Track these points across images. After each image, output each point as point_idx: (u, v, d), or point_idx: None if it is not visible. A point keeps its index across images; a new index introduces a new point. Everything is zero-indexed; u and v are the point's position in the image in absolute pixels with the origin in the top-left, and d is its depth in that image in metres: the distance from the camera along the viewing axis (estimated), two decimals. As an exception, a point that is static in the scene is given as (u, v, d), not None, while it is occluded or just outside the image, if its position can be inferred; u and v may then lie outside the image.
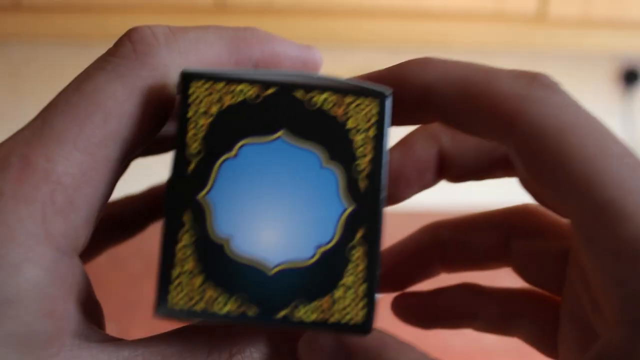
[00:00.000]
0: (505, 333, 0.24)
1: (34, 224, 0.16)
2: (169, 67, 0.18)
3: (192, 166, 0.17)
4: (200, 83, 0.17)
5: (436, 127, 0.22)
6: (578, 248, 0.18)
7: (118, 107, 0.17)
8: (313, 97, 0.17)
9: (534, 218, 0.23)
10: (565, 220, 0.21)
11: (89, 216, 0.17)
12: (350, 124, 0.17)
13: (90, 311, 0.18)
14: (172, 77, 0.18)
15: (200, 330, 0.18)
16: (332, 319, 0.17)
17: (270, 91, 0.17)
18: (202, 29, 0.19)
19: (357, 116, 0.17)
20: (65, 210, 0.16)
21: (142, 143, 0.18)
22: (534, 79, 0.17)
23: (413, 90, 0.19)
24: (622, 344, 0.15)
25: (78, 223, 0.17)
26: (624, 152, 0.16)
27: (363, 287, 0.17)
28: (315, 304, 0.17)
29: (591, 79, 1.14)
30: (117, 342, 0.17)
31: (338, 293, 0.17)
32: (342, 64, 1.10)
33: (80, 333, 0.17)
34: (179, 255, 0.17)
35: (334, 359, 0.18)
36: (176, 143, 0.17)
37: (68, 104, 0.17)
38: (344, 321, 0.17)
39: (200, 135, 0.17)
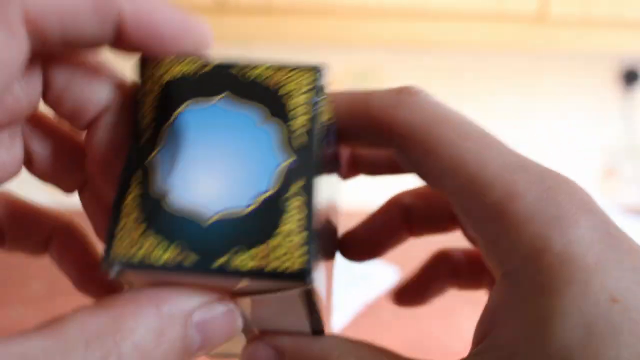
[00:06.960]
0: (479, 287, 0.27)
1: None
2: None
3: (145, 136, 0.19)
4: (151, 66, 0.20)
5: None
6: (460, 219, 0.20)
7: None
8: (246, 72, 0.19)
9: None
10: None
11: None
12: (282, 90, 0.19)
13: None
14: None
15: (76, 320, 0.16)
16: (270, 267, 0.17)
17: (207, 69, 0.19)
18: None
19: (291, 84, 0.19)
20: None
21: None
22: (400, 91, 0.20)
23: None
24: (499, 296, 0.18)
25: None
26: (481, 132, 0.19)
27: (301, 236, 0.17)
28: (253, 251, 0.17)
29: (591, 79, 1.14)
30: None
31: (275, 241, 0.17)
32: (342, 64, 1.09)
33: None
34: (125, 210, 0.18)
35: None
36: (134, 119, 0.19)
37: None
38: (281, 269, 0.17)
39: (150, 111, 0.19)
